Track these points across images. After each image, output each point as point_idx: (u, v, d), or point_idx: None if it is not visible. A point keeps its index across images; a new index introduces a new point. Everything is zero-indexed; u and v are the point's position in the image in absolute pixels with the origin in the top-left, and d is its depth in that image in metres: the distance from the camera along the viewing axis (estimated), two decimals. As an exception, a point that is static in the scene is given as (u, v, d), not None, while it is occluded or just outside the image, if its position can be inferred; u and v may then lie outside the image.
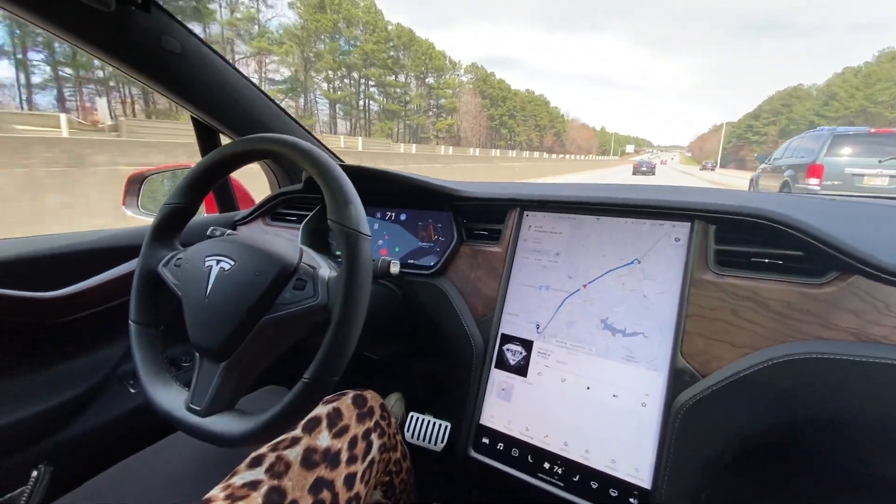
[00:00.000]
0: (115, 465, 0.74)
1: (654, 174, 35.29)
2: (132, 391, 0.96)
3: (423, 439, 1.30)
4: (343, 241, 0.56)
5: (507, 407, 0.75)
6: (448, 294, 0.85)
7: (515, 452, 0.73)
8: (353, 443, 0.69)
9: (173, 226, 0.69)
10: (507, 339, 0.79)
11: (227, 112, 1.03)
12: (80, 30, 0.75)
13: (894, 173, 5.83)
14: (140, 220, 1.22)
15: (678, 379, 0.63)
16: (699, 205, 0.67)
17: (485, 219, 0.88)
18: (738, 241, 0.65)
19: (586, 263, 0.75)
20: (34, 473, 0.63)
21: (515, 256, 0.81)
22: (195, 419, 0.58)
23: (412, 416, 1.31)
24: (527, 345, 0.76)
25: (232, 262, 0.58)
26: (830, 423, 0.57)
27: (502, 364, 0.78)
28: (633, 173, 34.62)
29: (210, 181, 0.69)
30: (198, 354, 0.61)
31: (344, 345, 0.54)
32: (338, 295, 0.55)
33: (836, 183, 6.05)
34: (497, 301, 0.80)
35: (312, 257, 0.63)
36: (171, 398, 0.62)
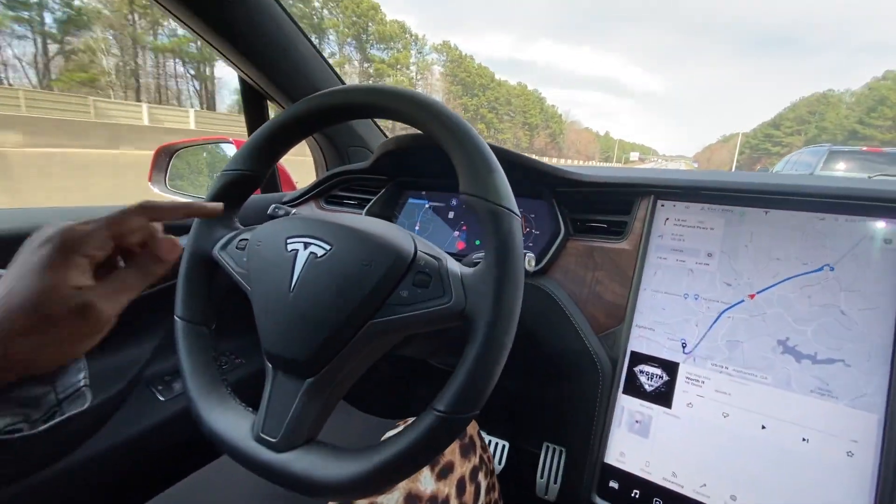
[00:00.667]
0: (150, 501, 0.58)
1: None
2: (161, 399, 0.80)
3: None
4: (489, 221, 0.41)
5: (644, 444, 0.60)
6: (557, 298, 0.69)
7: (658, 503, 0.58)
8: (461, 487, 0.54)
9: (234, 199, 0.53)
10: (638, 358, 0.63)
11: (283, 75, 0.87)
12: None
13: None
14: (167, 198, 1.07)
15: None
16: None
17: (601, 209, 0.73)
18: None
19: (753, 268, 0.59)
20: None
21: (648, 256, 0.66)
22: (270, 455, 0.43)
23: (485, 439, 1.16)
24: (668, 367, 0.61)
25: (328, 247, 0.43)
26: None
27: (634, 389, 0.62)
28: None
29: (285, 144, 0.54)
30: (271, 366, 0.46)
31: (493, 367, 0.39)
32: (484, 297, 0.40)
33: None
34: (627, 311, 0.65)
35: (430, 246, 0.47)
36: (232, 423, 0.47)
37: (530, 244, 0.78)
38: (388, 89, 0.47)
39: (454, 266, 0.44)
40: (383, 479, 0.39)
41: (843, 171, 6.52)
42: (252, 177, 0.53)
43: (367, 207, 0.88)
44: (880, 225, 0.54)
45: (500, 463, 1.14)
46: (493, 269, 0.40)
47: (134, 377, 0.76)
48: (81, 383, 0.36)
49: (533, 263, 0.52)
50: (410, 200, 0.92)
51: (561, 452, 0.74)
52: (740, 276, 0.59)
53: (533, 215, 0.80)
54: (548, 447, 1.08)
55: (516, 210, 0.43)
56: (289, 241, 0.45)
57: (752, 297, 0.58)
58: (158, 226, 0.39)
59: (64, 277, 0.30)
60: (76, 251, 0.31)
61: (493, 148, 0.74)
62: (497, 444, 1.17)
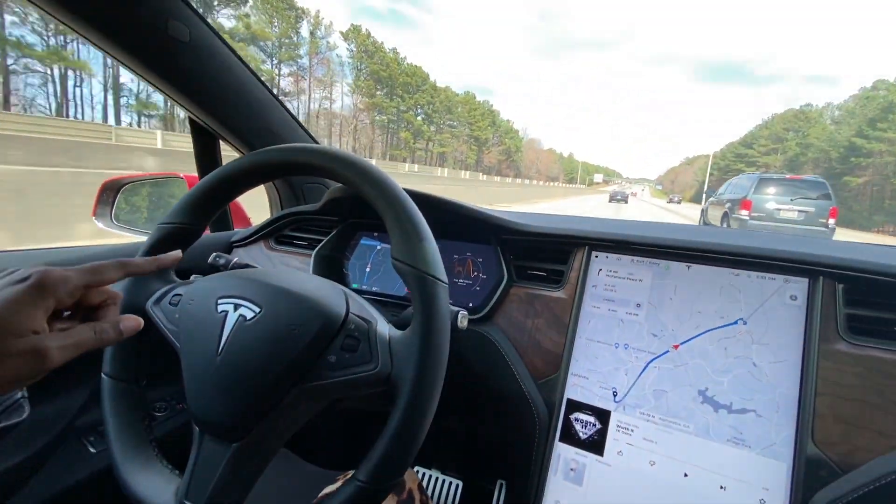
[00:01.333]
0: None
1: (626, 202, 40.30)
2: (92, 451, 0.76)
3: (432, 499, 1.14)
4: (416, 289, 0.43)
5: (579, 493, 0.62)
6: (499, 345, 0.71)
7: (591, 552, 0.59)
8: None
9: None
10: (574, 406, 0.65)
11: (235, 117, 0.88)
12: (75, 6, 0.60)
13: (801, 209, 8.11)
14: (114, 234, 1.04)
15: (811, 473, 0.51)
16: (822, 258, 0.57)
17: (542, 257, 0.76)
18: (875, 304, 0.55)
19: (676, 320, 0.63)
20: None
21: (583, 305, 0.69)
22: None
23: (417, 472, 1.15)
24: (601, 415, 0.63)
25: (257, 310, 0.43)
26: None
27: (569, 437, 0.64)
28: (609, 201, 39.94)
29: (226, 197, 0.55)
30: (197, 429, 0.45)
31: (416, 435, 0.40)
32: (408, 364, 0.41)
33: (761, 214, 8.33)
34: (563, 359, 0.67)
35: (363, 306, 0.48)
36: (155, 487, 0.46)
37: (477, 288, 0.80)
38: (330, 152, 0.49)
39: (384, 329, 0.45)
40: None
41: (771, 195, 8.35)
42: (190, 230, 0.53)
43: (316, 249, 0.88)
44: (786, 283, 0.59)
45: (454, 502, 1.14)
46: (417, 337, 0.41)
47: (63, 429, 0.73)
48: (18, 395, 0.37)
49: (465, 323, 0.54)
50: (363, 242, 0.93)
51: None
52: (665, 328, 0.63)
53: (480, 259, 0.82)
54: (501, 484, 1.08)
55: (444, 278, 0.44)
56: (220, 301, 0.45)
57: (676, 347, 0.62)
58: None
59: (28, 317, 0.30)
60: (49, 294, 0.32)
61: (441, 200, 0.77)
62: (451, 483, 1.16)
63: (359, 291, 0.73)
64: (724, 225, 9.28)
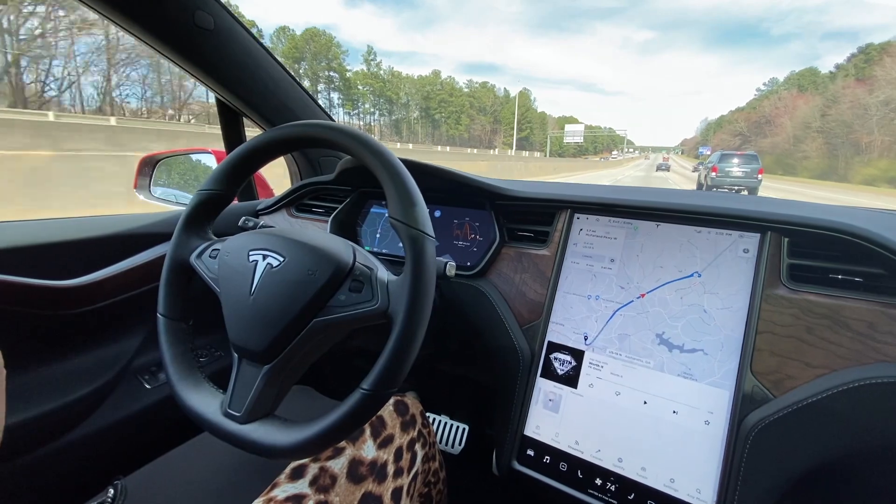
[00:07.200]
0: (136, 471, 0.69)
1: (668, 170, 46.11)
2: (147, 387, 0.91)
3: (441, 442, 1.28)
4: (408, 242, 0.53)
5: (555, 419, 0.72)
6: (490, 297, 0.81)
7: (563, 466, 0.70)
8: (398, 454, 0.65)
9: (207, 214, 0.64)
10: (554, 347, 0.75)
11: (256, 96, 0.97)
12: (113, 3, 0.70)
13: (743, 170, 16.52)
14: (153, 204, 1.16)
15: (747, 398, 0.61)
16: (773, 215, 0.64)
17: (530, 220, 0.85)
18: (813, 255, 0.63)
19: (641, 273, 0.72)
20: (110, 491, 0.58)
21: (564, 261, 0.78)
22: (234, 426, 0.54)
23: (429, 417, 1.28)
24: (576, 354, 0.73)
25: (281, 259, 0.54)
26: None
27: (549, 373, 0.75)
28: (657, 170, 45.11)
29: (251, 167, 0.65)
30: (236, 355, 0.57)
31: (407, 355, 0.51)
32: (401, 300, 0.51)
33: (722, 174, 16.60)
34: (545, 308, 0.77)
35: (367, 257, 0.59)
36: (205, 401, 0.58)
37: (474, 249, 0.90)
38: (338, 128, 0.58)
39: (383, 274, 0.55)
40: (321, 444, 0.51)
41: (727, 163, 16.77)
42: (223, 195, 0.64)
43: (332, 215, 0.98)
44: (740, 238, 0.67)
45: (460, 444, 1.27)
46: (408, 279, 0.51)
47: (122, 368, 0.87)
48: None
49: (454, 271, 0.63)
50: (373, 210, 1.03)
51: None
52: (631, 281, 0.72)
53: (478, 224, 0.92)
54: None
55: (431, 233, 0.54)
56: (251, 252, 0.56)
57: (641, 296, 0.71)
58: None
59: None
60: None
61: (442, 170, 0.86)
62: (458, 427, 1.29)
63: (370, 252, 0.84)
64: (704, 180, 17.98)
